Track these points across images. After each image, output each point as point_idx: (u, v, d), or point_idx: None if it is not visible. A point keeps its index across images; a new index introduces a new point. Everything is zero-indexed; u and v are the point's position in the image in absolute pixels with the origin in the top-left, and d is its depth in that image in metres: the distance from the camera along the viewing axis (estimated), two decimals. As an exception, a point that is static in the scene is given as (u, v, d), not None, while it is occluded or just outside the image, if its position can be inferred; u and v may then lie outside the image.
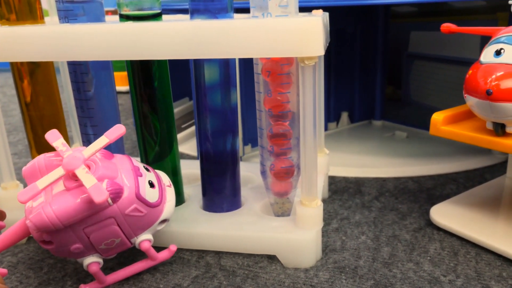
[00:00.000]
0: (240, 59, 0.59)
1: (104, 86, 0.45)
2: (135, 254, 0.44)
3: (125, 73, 0.46)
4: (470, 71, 0.41)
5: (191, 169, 0.55)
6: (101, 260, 0.38)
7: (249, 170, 0.54)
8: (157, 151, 0.45)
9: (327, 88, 0.75)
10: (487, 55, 0.41)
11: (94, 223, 0.35)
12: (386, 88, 0.82)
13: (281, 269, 0.41)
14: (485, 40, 0.44)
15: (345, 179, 0.60)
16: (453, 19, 0.53)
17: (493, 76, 0.38)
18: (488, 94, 0.38)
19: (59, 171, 0.35)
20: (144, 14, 0.40)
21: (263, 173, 0.45)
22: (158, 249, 0.41)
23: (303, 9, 0.43)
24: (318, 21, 0.35)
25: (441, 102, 0.80)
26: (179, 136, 0.74)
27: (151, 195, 0.38)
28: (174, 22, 0.37)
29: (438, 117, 0.44)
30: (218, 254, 0.44)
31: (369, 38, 0.77)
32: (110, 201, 0.35)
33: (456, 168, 0.61)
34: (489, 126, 0.41)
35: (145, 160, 0.46)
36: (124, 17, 0.41)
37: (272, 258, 0.43)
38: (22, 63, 0.49)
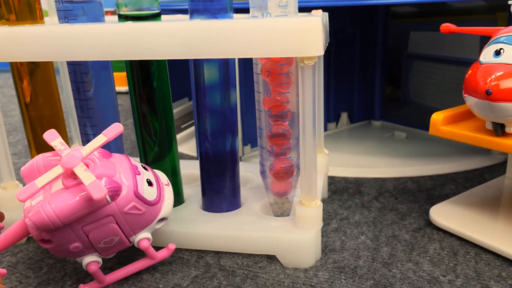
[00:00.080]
0: (239, 59, 0.59)
1: (103, 86, 0.45)
2: (134, 254, 0.44)
3: (124, 74, 0.46)
4: (469, 71, 0.41)
5: (190, 169, 0.55)
6: (100, 260, 0.38)
7: (248, 170, 0.54)
8: (156, 152, 0.45)
9: (327, 88, 0.75)
10: (486, 55, 0.41)
11: (93, 222, 0.36)
12: (385, 88, 0.82)
13: (281, 269, 0.41)
14: (484, 40, 0.44)
15: (345, 179, 0.60)
16: (453, 19, 0.53)
17: (493, 76, 0.38)
18: (488, 94, 0.38)
19: (57, 170, 0.35)
20: (143, 14, 0.40)
21: (262, 173, 0.45)
22: (158, 249, 0.41)
23: (303, 9, 0.43)
24: (318, 21, 0.35)
25: (441, 102, 0.80)
26: (179, 136, 0.74)
27: (149, 193, 0.38)
28: (173, 22, 0.37)
29: (437, 117, 0.44)
30: (218, 254, 0.44)
31: (369, 38, 0.77)
32: (108, 199, 0.35)
33: (456, 168, 0.61)
34: (489, 126, 0.41)
35: (145, 160, 0.46)
36: (123, 17, 0.41)
37: (271, 258, 0.43)
38: (21, 63, 0.49)
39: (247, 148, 0.66)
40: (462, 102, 0.43)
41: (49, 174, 0.35)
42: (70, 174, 0.35)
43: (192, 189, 0.51)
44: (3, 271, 0.37)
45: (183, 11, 0.65)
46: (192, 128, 0.78)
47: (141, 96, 0.44)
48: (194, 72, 0.42)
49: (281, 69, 0.41)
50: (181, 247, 0.44)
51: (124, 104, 1.06)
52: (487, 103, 0.39)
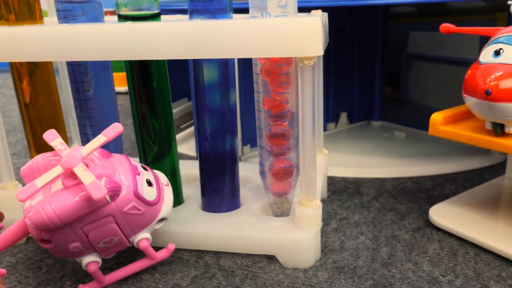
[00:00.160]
0: (239, 59, 0.59)
1: (103, 86, 0.45)
2: (134, 254, 0.44)
3: (124, 74, 0.46)
4: (469, 71, 0.41)
5: (190, 170, 0.55)
6: (99, 260, 0.38)
7: (248, 170, 0.54)
8: (156, 152, 0.45)
9: (326, 88, 0.75)
10: (486, 55, 0.41)
11: (92, 222, 0.36)
12: (385, 89, 0.82)
13: (280, 269, 0.41)
14: (484, 40, 0.44)
15: (344, 179, 0.60)
16: (452, 19, 0.53)
17: (492, 76, 0.38)
18: (487, 94, 0.38)
19: (57, 170, 0.35)
20: (142, 15, 0.40)
21: (262, 173, 0.45)
22: (158, 249, 0.41)
23: (302, 9, 0.43)
24: (317, 21, 0.35)
25: (440, 102, 0.80)
26: (178, 136, 0.74)
27: (149, 194, 0.38)
28: (173, 22, 0.37)
29: (437, 117, 0.44)
30: (217, 254, 0.44)
31: (368, 38, 0.77)
32: (108, 199, 0.35)
33: (455, 169, 0.61)
34: (488, 126, 0.41)
35: (144, 160, 0.46)
36: (123, 18, 0.41)
37: (271, 258, 0.43)
38: (21, 63, 0.49)
39: (247, 148, 0.66)
40: (462, 102, 0.43)
41: (49, 174, 0.35)
42: (70, 174, 0.35)
43: (192, 189, 0.51)
44: (3, 271, 0.37)
45: (182, 11, 0.65)
46: (192, 128, 0.78)
47: (141, 96, 0.43)
48: (194, 72, 0.42)
49: (281, 69, 0.41)
50: (181, 247, 0.44)
51: (124, 104, 1.06)
52: (487, 103, 0.39)
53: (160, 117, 0.44)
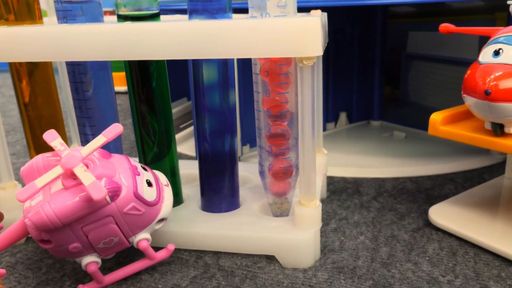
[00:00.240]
0: (238, 59, 0.59)
1: (102, 86, 0.45)
2: (133, 254, 0.44)
3: (123, 74, 0.46)
4: (468, 71, 0.41)
5: (189, 169, 0.55)
6: (99, 260, 0.38)
7: (247, 170, 0.54)
8: (155, 152, 0.45)
9: (326, 88, 0.75)
10: (485, 55, 0.41)
11: (92, 222, 0.35)
12: (384, 88, 0.82)
13: (280, 269, 0.41)
14: (483, 40, 0.44)
15: (344, 179, 0.60)
16: (452, 19, 0.53)
17: (492, 76, 0.38)
18: (487, 94, 0.38)
19: (57, 170, 0.35)
20: (142, 15, 0.40)
21: (261, 173, 0.45)
22: (157, 249, 0.41)
23: (302, 9, 0.43)
24: (317, 21, 0.35)
25: (440, 102, 0.80)
26: (178, 136, 0.74)
27: (149, 194, 0.38)
28: (172, 22, 0.37)
29: (436, 117, 0.44)
30: (217, 254, 0.44)
31: (368, 38, 0.77)
32: (108, 199, 0.35)
33: (455, 168, 0.61)
34: (488, 126, 0.41)
35: (144, 160, 0.46)
36: (122, 18, 0.41)
37: (270, 258, 0.43)
38: (20, 63, 0.49)
39: (246, 148, 0.66)
40: (461, 102, 0.43)
41: (49, 174, 0.35)
42: (70, 175, 0.35)
43: (191, 189, 0.51)
44: (2, 271, 0.37)
45: (182, 11, 0.65)
46: (191, 128, 0.78)
47: (140, 96, 0.43)
48: (193, 72, 0.42)
49: (280, 69, 0.41)
50: (180, 247, 0.44)
51: (123, 104, 1.06)
52: (486, 103, 0.39)
53: (160, 117, 0.44)
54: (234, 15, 0.46)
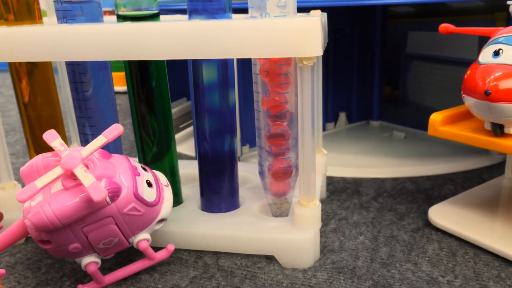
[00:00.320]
0: (238, 59, 0.59)
1: (102, 86, 0.45)
2: (133, 254, 0.44)
3: (123, 73, 0.46)
4: (468, 72, 0.41)
5: (189, 170, 0.55)
6: (99, 260, 0.38)
7: (247, 171, 0.54)
8: (155, 152, 0.45)
9: (325, 88, 0.75)
10: (485, 55, 0.41)
11: (92, 222, 0.35)
12: (384, 89, 0.82)
13: (279, 270, 0.41)
14: (483, 41, 0.44)
15: (343, 180, 0.60)
16: (451, 20, 0.53)
17: (492, 77, 0.38)
18: (487, 95, 0.38)
19: (57, 171, 0.35)
20: (141, 15, 0.40)
21: (261, 173, 0.45)
22: (157, 249, 0.41)
23: (301, 9, 0.43)
24: (317, 21, 0.35)
25: (439, 103, 0.80)
26: (177, 136, 0.74)
27: (149, 195, 0.38)
28: (172, 22, 0.37)
29: (436, 118, 0.44)
30: (216, 254, 0.44)
31: (367, 38, 0.77)
32: (108, 200, 0.35)
33: (454, 169, 0.61)
34: (488, 126, 0.41)
35: (143, 160, 0.46)
36: (122, 18, 0.41)
37: (270, 259, 0.43)
38: (20, 63, 0.49)
39: (246, 148, 0.66)
40: (461, 102, 0.43)
41: (49, 175, 0.34)
42: (70, 175, 0.35)
43: (191, 189, 0.51)
44: (2, 271, 0.37)
45: (181, 11, 0.65)
46: (191, 128, 0.78)
47: (140, 96, 0.43)
48: (193, 72, 0.42)
49: (280, 69, 0.41)
50: (180, 247, 0.44)
51: (123, 104, 1.06)
52: (486, 104, 0.39)
53: (159, 117, 0.44)
54: (234, 15, 0.46)
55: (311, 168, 0.40)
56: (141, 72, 0.43)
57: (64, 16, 0.41)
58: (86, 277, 0.41)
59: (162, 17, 0.43)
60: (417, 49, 0.84)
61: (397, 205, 0.52)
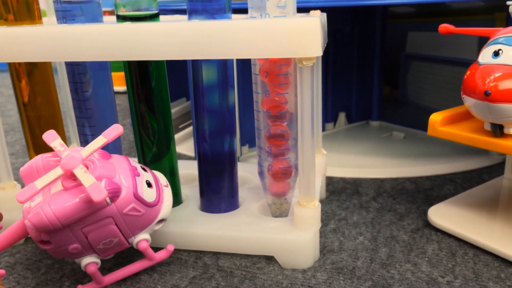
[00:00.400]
0: (238, 60, 0.59)
1: (102, 87, 0.45)
2: (133, 254, 0.44)
3: (122, 73, 0.46)
4: (468, 72, 0.41)
5: (188, 170, 0.55)
6: (98, 261, 0.38)
7: (246, 171, 0.54)
8: (154, 152, 0.45)
9: (325, 88, 0.75)
10: (485, 56, 0.41)
11: (92, 223, 0.35)
12: (383, 89, 0.82)
13: (279, 270, 0.41)
14: (482, 41, 0.44)
15: (343, 180, 0.60)
16: (451, 20, 0.53)
17: (492, 77, 0.38)
18: (487, 95, 0.38)
19: (57, 171, 0.35)
20: (141, 15, 0.40)
21: (261, 173, 0.45)
22: (156, 249, 0.41)
23: (301, 9, 0.43)
24: (316, 21, 0.35)
25: (439, 103, 0.80)
26: (177, 136, 0.74)
27: (149, 195, 0.38)
28: (172, 22, 0.37)
29: (436, 118, 0.44)
30: (216, 254, 0.44)
31: (367, 39, 0.77)
32: (108, 200, 0.35)
33: (454, 169, 0.61)
34: (487, 127, 0.41)
35: (143, 160, 0.46)
36: (122, 18, 0.41)
37: (270, 259, 0.43)
38: (20, 63, 0.49)
39: (245, 148, 0.66)
40: (460, 102, 0.43)
41: (49, 175, 0.34)
42: (70, 176, 0.35)
43: (190, 190, 0.51)
44: (2, 271, 0.37)
45: (181, 12, 0.65)
46: (190, 128, 0.78)
47: (139, 96, 0.43)
48: (193, 72, 0.42)
49: (280, 69, 0.41)
50: (179, 247, 0.44)
51: (122, 104, 1.06)
52: (486, 104, 0.39)
53: (159, 117, 0.44)
54: (234, 16, 0.46)
55: (310, 168, 0.40)
56: (140, 72, 0.43)
57: (64, 16, 0.41)
58: (85, 277, 0.41)
59: (161, 17, 0.43)
60: (416, 49, 0.84)
61: (397, 205, 0.52)
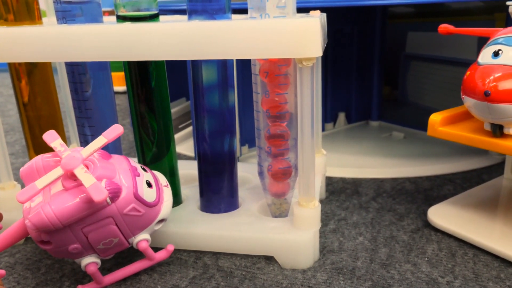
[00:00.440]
0: (238, 60, 0.59)
1: (101, 87, 0.45)
2: (133, 254, 0.44)
3: (122, 73, 0.46)
4: (468, 72, 0.41)
5: (188, 170, 0.55)
6: (98, 261, 0.38)
7: (246, 171, 0.54)
8: (154, 152, 0.45)
9: (324, 88, 0.75)
10: (485, 56, 0.41)
11: (92, 223, 0.35)
12: (383, 89, 0.82)
13: (279, 270, 0.41)
14: (482, 41, 0.44)
15: (342, 180, 0.60)
16: (451, 20, 0.53)
17: (491, 77, 0.38)
18: (486, 95, 0.38)
19: (57, 171, 0.35)
20: (141, 15, 0.40)
21: (260, 173, 0.45)
22: (156, 249, 0.41)
23: (301, 10, 0.43)
24: (316, 22, 0.35)
25: (439, 103, 0.80)
26: (176, 136, 0.74)
27: (149, 195, 0.38)
28: (171, 23, 0.37)
29: (436, 118, 0.44)
30: (216, 255, 0.44)
31: (366, 39, 0.77)
32: (108, 200, 0.35)
33: (454, 169, 0.61)
34: (487, 127, 0.41)
35: (143, 160, 0.46)
36: (121, 18, 0.41)
37: (269, 259, 0.43)
38: (20, 63, 0.49)
39: (245, 148, 0.66)
40: (460, 102, 0.43)
41: (49, 175, 0.34)
42: (70, 176, 0.35)
43: (190, 190, 0.51)
44: (2, 272, 0.37)
45: (181, 12, 0.65)
46: (190, 128, 0.78)
47: (139, 96, 0.43)
48: (192, 72, 0.42)
49: (279, 70, 0.41)
50: (179, 247, 0.44)
51: (122, 104, 1.06)
52: (486, 104, 0.39)
53: (159, 117, 0.44)
54: (234, 16, 0.46)
55: (310, 168, 0.40)
56: (140, 72, 0.43)
57: (64, 16, 0.41)
58: (85, 277, 0.41)
59: (161, 17, 0.43)
60: (416, 50, 0.84)
61: (397, 205, 0.52)
